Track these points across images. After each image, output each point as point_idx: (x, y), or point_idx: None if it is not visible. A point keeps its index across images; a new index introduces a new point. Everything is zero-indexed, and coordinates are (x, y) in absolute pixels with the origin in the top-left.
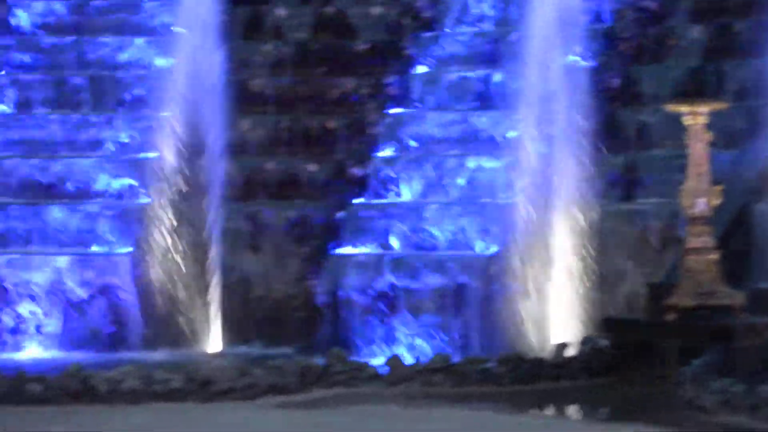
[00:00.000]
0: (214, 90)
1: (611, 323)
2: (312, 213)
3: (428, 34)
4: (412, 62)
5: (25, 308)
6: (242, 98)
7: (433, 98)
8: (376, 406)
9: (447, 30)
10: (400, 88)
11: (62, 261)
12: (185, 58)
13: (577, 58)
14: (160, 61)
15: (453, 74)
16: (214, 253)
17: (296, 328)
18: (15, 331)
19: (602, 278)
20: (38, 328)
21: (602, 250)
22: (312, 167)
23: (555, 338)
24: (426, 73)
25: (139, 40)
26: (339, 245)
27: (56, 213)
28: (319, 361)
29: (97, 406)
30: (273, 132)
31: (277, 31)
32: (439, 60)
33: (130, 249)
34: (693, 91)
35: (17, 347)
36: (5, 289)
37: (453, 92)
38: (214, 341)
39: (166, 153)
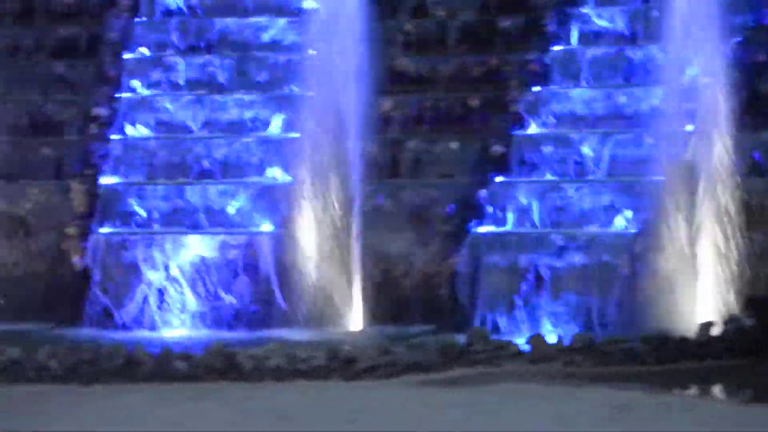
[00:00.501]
0: (357, 69)
1: (756, 303)
2: (454, 191)
3: (571, 11)
4: (554, 39)
5: (169, 287)
6: (384, 77)
7: (575, 75)
8: (517, 384)
9: (589, 6)
10: (543, 65)
11: (206, 240)
12: (327, 37)
13: (722, 33)
14: (301, 41)
15: (596, 51)
16: (356, 232)
17: (438, 306)
18: (160, 309)
19: (747, 257)
20: (183, 307)
21: (747, 229)
22: (454, 145)
23: (699, 317)
24: (568, 50)
25: (282, 21)
26: (481, 223)
27: (199, 193)
28: (460, 339)
29: (241, 384)
30: (415, 111)
31: (419, 10)
32: (582, 36)
33: (273, 228)
34: None
35: (162, 326)
36: (151, 269)
37: (596, 69)
38: (355, 320)
39: (309, 133)
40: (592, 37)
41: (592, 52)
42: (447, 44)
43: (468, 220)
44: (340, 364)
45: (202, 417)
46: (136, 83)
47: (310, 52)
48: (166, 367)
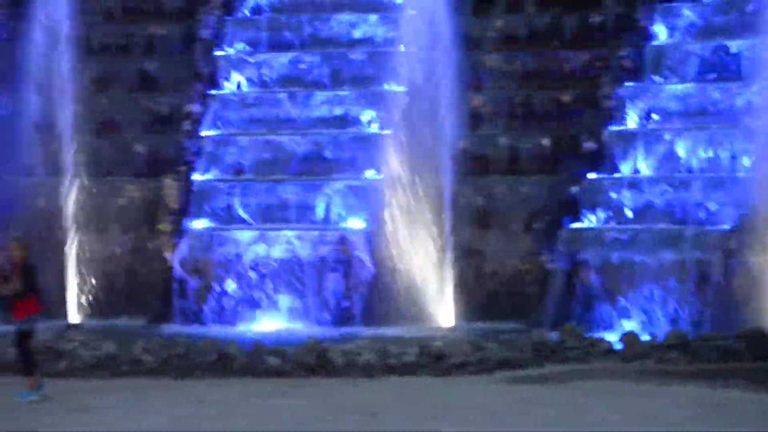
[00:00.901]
0: (447, 65)
1: None
2: (545, 187)
3: (664, 5)
4: (647, 34)
5: (261, 283)
6: (475, 74)
7: (668, 70)
8: (609, 381)
9: (682, 1)
10: (635, 61)
11: (298, 237)
12: (418, 34)
13: None
14: (393, 38)
15: (689, 46)
16: (448, 228)
17: (529, 303)
18: (253, 304)
19: None
20: (274, 303)
21: None
22: (545, 141)
23: None
24: (661, 45)
25: (373, 17)
26: (573, 220)
27: (292, 189)
28: (552, 336)
29: (332, 379)
30: (506, 107)
31: (509, 6)
32: (675, 31)
33: (366, 225)
34: None
35: (253, 321)
36: (242, 264)
37: (689, 64)
38: (446, 316)
39: (400, 129)
40: (685, 31)
41: (686, 46)
42: (538, 40)
43: (560, 217)
44: (431, 360)
45: (293, 412)
46: (228, 80)
47: (402, 48)
48: (258, 362)
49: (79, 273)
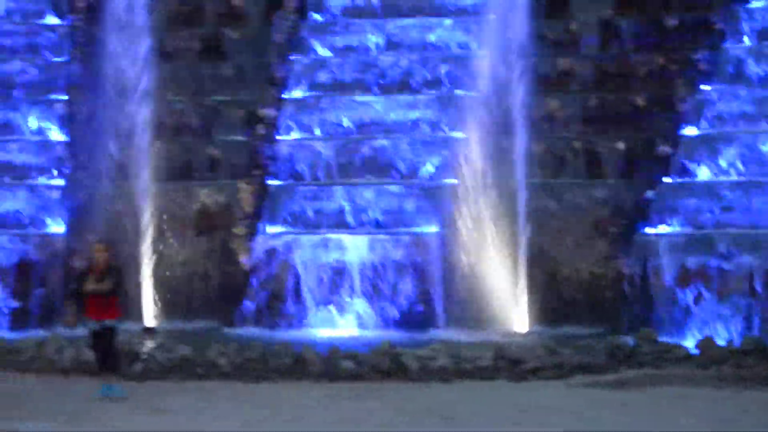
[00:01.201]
0: (521, 69)
1: None
2: (620, 192)
3: (740, 7)
4: (723, 36)
5: (335, 287)
6: (549, 77)
7: (745, 74)
8: (686, 387)
9: (759, 3)
10: (711, 64)
11: (372, 240)
12: (492, 37)
13: None
14: (467, 42)
15: (766, 48)
16: (521, 232)
17: (603, 308)
18: (326, 308)
19: None
20: (348, 307)
21: None
22: (620, 145)
23: None
24: (737, 47)
25: (447, 21)
26: (648, 225)
27: (366, 193)
28: (627, 341)
29: (407, 384)
30: (581, 110)
31: (582, 9)
32: (751, 34)
33: (438, 229)
34: None
35: (327, 325)
36: (317, 268)
37: (766, 67)
38: (520, 320)
39: (474, 132)
40: (761, 34)
41: (763, 49)
42: (612, 43)
43: (635, 221)
44: (507, 364)
45: (369, 417)
46: (302, 84)
47: (476, 52)
48: (333, 366)
49: (155, 276)
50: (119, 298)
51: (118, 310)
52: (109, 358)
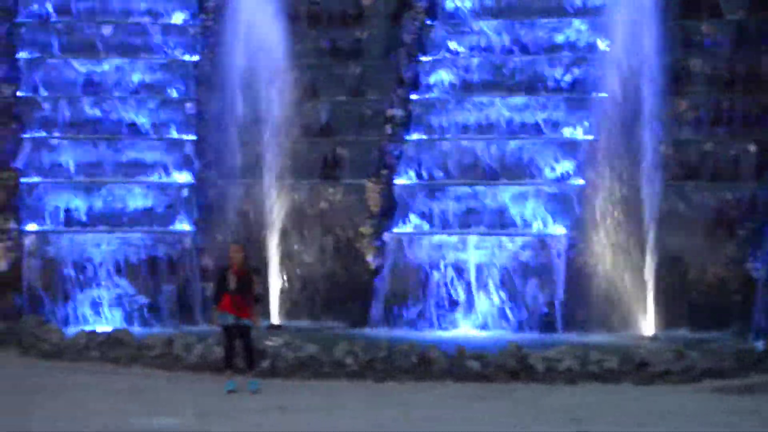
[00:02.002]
0: (651, 70)
1: None
2: (750, 194)
3: None
4: None
5: (460, 287)
6: (679, 78)
7: None
8: None
9: None
10: None
11: (496, 241)
12: (622, 38)
13: None
14: (596, 42)
15: None
16: (649, 235)
17: (732, 311)
18: (452, 309)
19: None
20: (473, 307)
21: None
22: (751, 147)
23: None
24: None
25: (576, 22)
26: None
27: (492, 194)
28: (756, 345)
29: (533, 385)
30: (711, 112)
31: (714, 10)
32: None
33: (565, 231)
34: None
35: (452, 326)
36: (442, 268)
37: None
38: (647, 323)
39: (603, 134)
40: None
41: None
42: (743, 45)
43: (765, 224)
44: (633, 367)
45: (497, 417)
46: (430, 85)
47: (606, 52)
48: (459, 366)
49: (282, 275)
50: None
51: (253, 310)
52: (246, 355)
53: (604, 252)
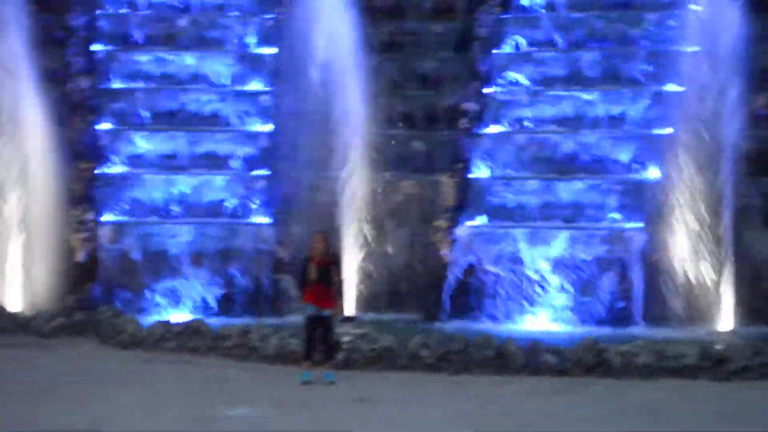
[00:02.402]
0: (729, 64)
1: None
2: None
3: None
4: None
5: (536, 281)
6: (758, 73)
7: None
8: None
9: None
10: None
11: (574, 235)
12: (701, 32)
13: None
14: (673, 36)
15: None
16: (726, 229)
17: None
18: (527, 302)
19: None
20: (548, 301)
21: None
22: None
23: None
24: None
25: (652, 15)
26: None
27: (568, 188)
28: None
29: (609, 380)
30: None
31: None
32: None
33: (641, 224)
34: None
35: (528, 318)
36: (518, 262)
37: None
38: (725, 319)
39: (680, 128)
40: None
41: None
42: None
43: None
44: (711, 363)
45: (574, 411)
46: (505, 78)
47: (683, 47)
48: (535, 360)
49: (356, 267)
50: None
51: (334, 300)
52: (325, 347)
53: (681, 246)
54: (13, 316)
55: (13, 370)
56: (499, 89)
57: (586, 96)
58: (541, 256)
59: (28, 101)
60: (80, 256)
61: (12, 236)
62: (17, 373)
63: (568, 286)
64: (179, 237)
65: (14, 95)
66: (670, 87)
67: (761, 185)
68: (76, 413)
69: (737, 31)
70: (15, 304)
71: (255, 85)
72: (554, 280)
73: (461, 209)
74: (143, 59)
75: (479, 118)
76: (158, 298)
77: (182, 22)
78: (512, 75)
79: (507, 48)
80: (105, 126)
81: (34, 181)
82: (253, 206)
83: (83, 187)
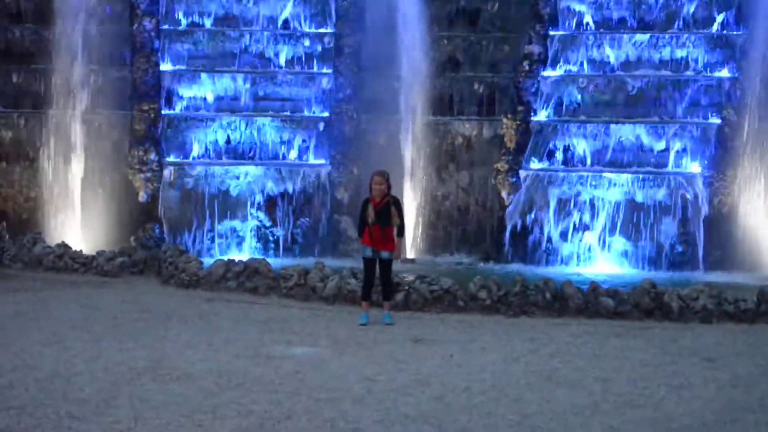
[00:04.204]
0: None
1: None
2: None
3: None
4: None
5: (595, 225)
6: None
7: None
8: None
9: None
10: None
11: (634, 179)
12: None
13: None
14: None
15: None
16: None
17: None
18: (586, 246)
19: None
20: (609, 245)
21: None
22: None
23: None
24: None
25: None
26: None
27: (630, 131)
28: None
29: (667, 323)
30: None
31: None
32: None
33: (702, 169)
34: None
35: (587, 262)
36: (577, 206)
37: None
38: None
39: (744, 73)
40: None
41: None
42: None
43: None
44: None
45: (631, 354)
46: (567, 21)
47: None
48: (593, 303)
49: (416, 210)
50: (399, 229)
51: (393, 242)
52: (383, 288)
53: (742, 192)
54: (76, 255)
55: (75, 308)
56: (561, 32)
57: (648, 38)
58: (601, 200)
59: (94, 41)
60: (143, 196)
61: (75, 176)
62: (79, 311)
63: (628, 230)
64: (240, 178)
65: (79, 36)
66: (735, 32)
67: None
68: (137, 350)
69: None
70: (77, 243)
71: (317, 27)
72: (615, 223)
73: (522, 152)
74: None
75: (542, 61)
76: (219, 239)
77: None
78: (575, 17)
79: None
80: (168, 67)
81: (97, 122)
82: (313, 148)
83: (146, 127)
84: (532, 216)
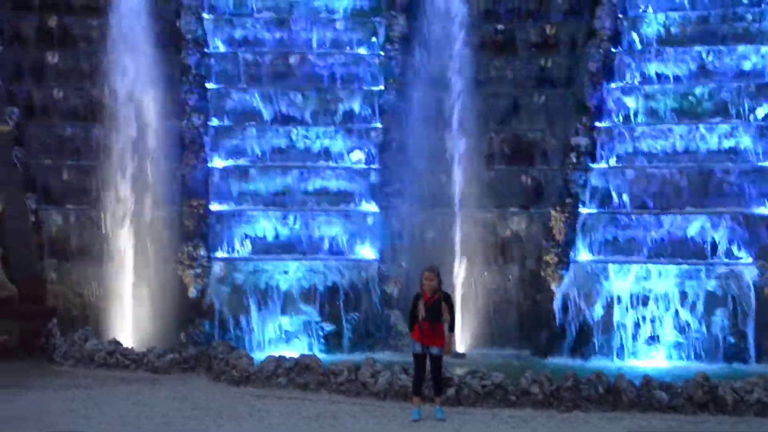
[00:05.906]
0: None
1: None
2: None
3: None
4: None
5: (645, 316)
6: None
7: None
8: None
9: None
10: None
11: (685, 270)
12: None
13: None
14: None
15: None
16: None
17: None
18: (639, 338)
19: None
20: (658, 337)
21: None
22: None
23: None
24: None
25: (764, 49)
26: None
27: (680, 223)
28: None
29: (721, 416)
30: None
31: None
32: None
33: (752, 260)
34: None
35: (640, 355)
36: (628, 297)
37: None
38: None
39: None
40: None
41: None
42: None
43: None
44: None
45: None
46: (616, 113)
47: None
48: (647, 396)
49: (465, 303)
50: (449, 325)
51: (444, 338)
52: (434, 383)
53: None
54: (127, 352)
55: (126, 406)
56: (609, 123)
57: (697, 128)
58: (651, 291)
59: (145, 138)
60: (192, 291)
61: (125, 272)
62: (130, 409)
63: (679, 322)
64: (289, 273)
65: (133, 132)
66: None
67: None
68: None
69: None
70: (128, 340)
71: (364, 122)
72: (665, 315)
73: (571, 244)
74: (253, 97)
75: (589, 153)
76: (268, 334)
77: (292, 59)
78: (622, 109)
79: (617, 82)
80: (217, 163)
81: (147, 217)
82: (362, 242)
83: (195, 223)
84: (582, 309)
